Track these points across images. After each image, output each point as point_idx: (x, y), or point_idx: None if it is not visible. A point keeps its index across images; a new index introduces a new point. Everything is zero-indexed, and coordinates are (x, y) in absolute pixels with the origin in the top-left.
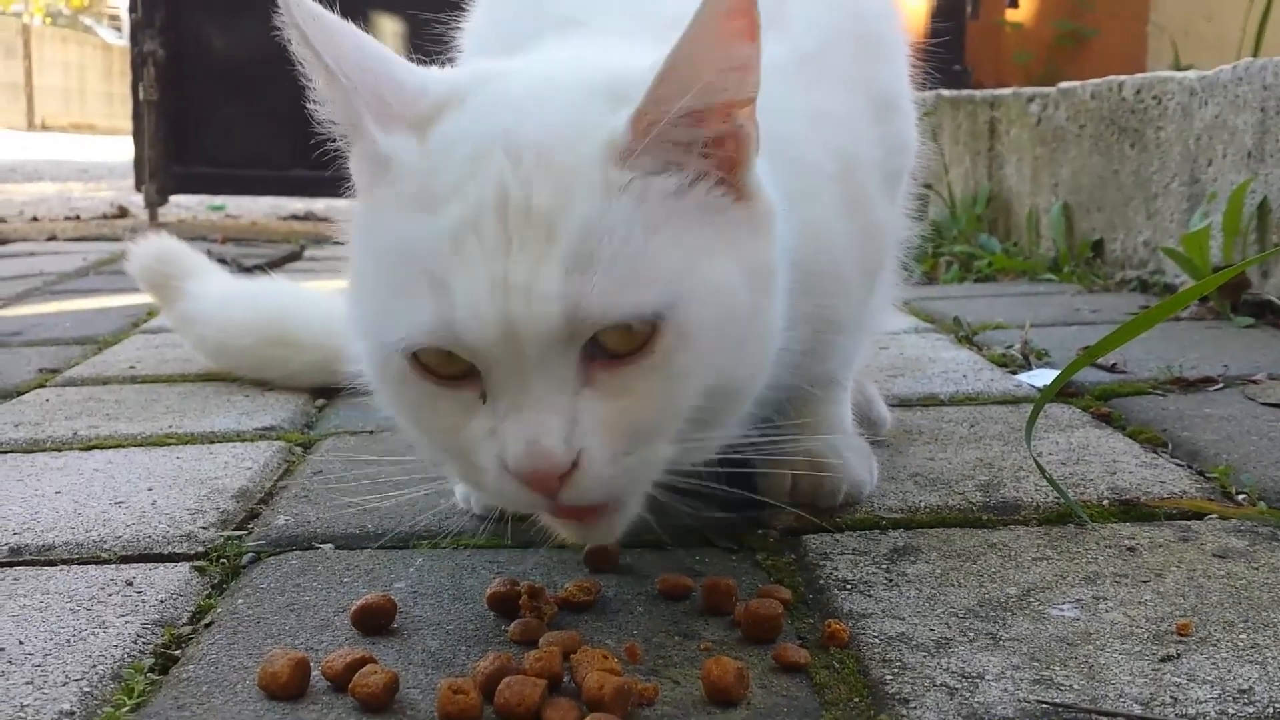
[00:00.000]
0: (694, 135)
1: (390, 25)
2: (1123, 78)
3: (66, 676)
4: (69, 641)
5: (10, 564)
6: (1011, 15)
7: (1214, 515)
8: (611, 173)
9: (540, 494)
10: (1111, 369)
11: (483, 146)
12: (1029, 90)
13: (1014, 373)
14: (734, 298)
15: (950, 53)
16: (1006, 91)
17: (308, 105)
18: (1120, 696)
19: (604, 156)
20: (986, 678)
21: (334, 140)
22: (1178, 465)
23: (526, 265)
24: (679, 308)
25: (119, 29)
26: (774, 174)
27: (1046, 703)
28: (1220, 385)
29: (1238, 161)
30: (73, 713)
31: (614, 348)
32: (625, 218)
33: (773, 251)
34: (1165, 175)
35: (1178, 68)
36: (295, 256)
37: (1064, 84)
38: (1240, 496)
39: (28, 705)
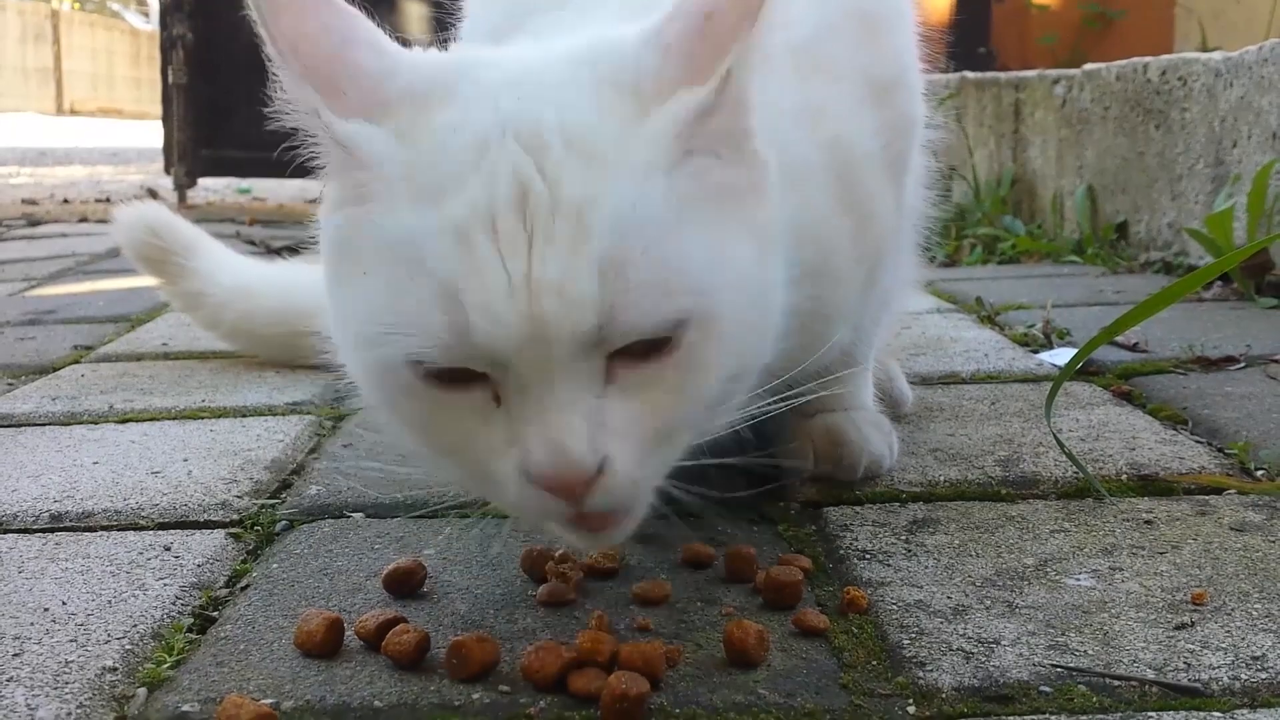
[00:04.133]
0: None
1: (417, 9)
2: (1147, 59)
3: (109, 635)
4: (110, 602)
5: (51, 529)
6: None
7: (1232, 490)
8: (659, 154)
9: (565, 500)
10: (1133, 348)
11: (487, 134)
12: (1054, 72)
13: (1035, 352)
14: (753, 278)
15: (975, 35)
16: (1031, 73)
17: None
18: (1134, 662)
19: (651, 137)
20: (1002, 643)
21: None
22: (1197, 442)
23: (557, 261)
24: (707, 304)
25: (146, 15)
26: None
27: (1061, 667)
28: (1242, 364)
29: (1263, 143)
30: (115, 668)
31: (638, 346)
32: (662, 207)
33: (773, 211)
34: (1190, 157)
35: (1204, 50)
36: None
37: (1089, 66)
38: (1259, 472)
39: (72, 661)
